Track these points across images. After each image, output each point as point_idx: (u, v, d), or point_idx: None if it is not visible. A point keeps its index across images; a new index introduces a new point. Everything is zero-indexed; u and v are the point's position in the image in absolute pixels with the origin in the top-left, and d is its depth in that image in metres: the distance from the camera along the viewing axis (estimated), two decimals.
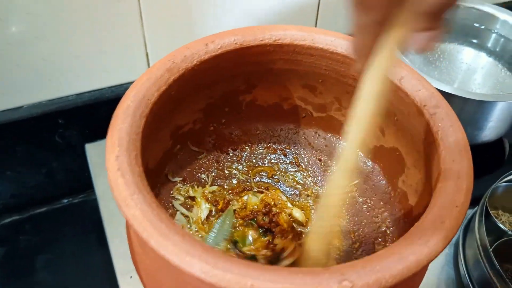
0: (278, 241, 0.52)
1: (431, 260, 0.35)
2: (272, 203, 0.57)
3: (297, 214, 0.57)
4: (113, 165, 0.38)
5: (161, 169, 0.57)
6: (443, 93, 0.48)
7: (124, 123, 0.42)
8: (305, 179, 0.61)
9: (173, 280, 0.39)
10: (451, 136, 0.43)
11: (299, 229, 0.55)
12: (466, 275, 0.59)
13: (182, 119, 0.55)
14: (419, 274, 0.38)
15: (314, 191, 0.60)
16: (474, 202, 0.47)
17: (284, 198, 0.58)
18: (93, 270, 0.66)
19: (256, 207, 0.56)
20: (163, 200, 0.55)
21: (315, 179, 0.61)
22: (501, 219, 0.64)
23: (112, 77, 0.72)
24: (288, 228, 0.54)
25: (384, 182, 0.58)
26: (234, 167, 0.61)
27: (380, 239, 0.54)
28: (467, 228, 0.63)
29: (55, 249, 0.68)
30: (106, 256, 0.62)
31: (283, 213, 0.56)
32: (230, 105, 0.58)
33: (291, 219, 0.56)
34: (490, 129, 0.66)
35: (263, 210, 0.56)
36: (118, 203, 0.36)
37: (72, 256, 0.68)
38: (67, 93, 0.70)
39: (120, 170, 0.38)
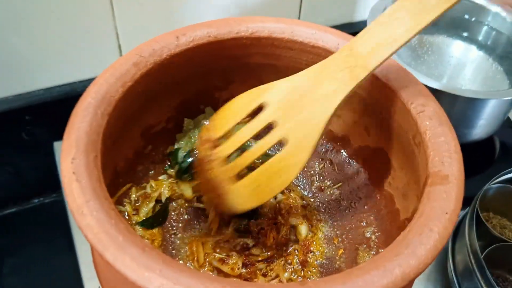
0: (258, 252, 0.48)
1: (419, 274, 0.32)
2: (287, 207, 0.52)
3: (303, 231, 0.51)
4: (68, 168, 0.35)
5: (132, 171, 0.53)
6: (432, 90, 0.45)
7: (83, 122, 0.38)
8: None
9: None
10: (440, 136, 0.40)
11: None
12: (455, 281, 0.56)
13: (154, 117, 0.52)
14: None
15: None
16: (464, 203, 0.44)
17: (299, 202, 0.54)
18: (61, 276, 0.62)
19: None
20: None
21: (302, 187, 0.57)
22: (491, 222, 0.61)
23: (83, 71, 0.68)
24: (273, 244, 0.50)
25: (369, 184, 0.54)
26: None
27: (364, 245, 0.51)
28: (457, 232, 0.60)
29: (24, 252, 0.64)
30: (75, 262, 0.59)
31: (284, 227, 0.51)
32: (206, 102, 0.55)
33: (289, 234, 0.51)
34: (481, 127, 0.63)
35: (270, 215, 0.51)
36: (72, 211, 0.33)
37: (41, 260, 0.64)
38: (35, 87, 0.67)
39: (75, 173, 0.34)
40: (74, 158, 0.35)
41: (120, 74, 0.42)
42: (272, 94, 0.42)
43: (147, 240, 0.48)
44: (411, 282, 0.32)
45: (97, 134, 0.38)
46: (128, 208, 0.50)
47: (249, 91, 0.43)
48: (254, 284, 0.30)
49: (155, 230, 0.50)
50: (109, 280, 0.39)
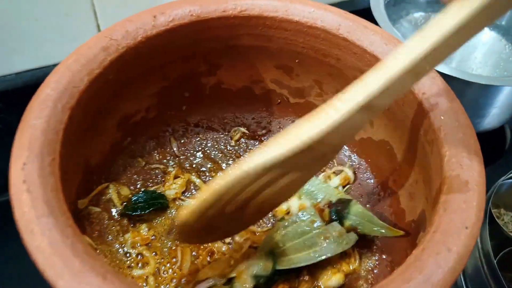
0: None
1: None
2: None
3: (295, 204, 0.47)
4: (18, 176, 0.29)
5: (110, 165, 0.48)
6: (441, 75, 0.39)
7: (39, 118, 0.32)
8: None
9: None
10: (457, 133, 0.34)
11: None
12: (464, 285, 0.52)
13: (130, 107, 0.46)
14: None
15: None
16: None
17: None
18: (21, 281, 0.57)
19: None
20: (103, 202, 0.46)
21: None
22: (503, 220, 0.56)
23: (58, 54, 0.61)
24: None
25: (372, 181, 0.49)
26: (196, 161, 0.51)
27: (366, 249, 0.46)
28: None
29: (17, 241, 0.59)
30: None
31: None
32: (191, 89, 0.49)
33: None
34: (493, 117, 0.58)
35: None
36: (20, 230, 0.27)
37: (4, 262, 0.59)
38: (5, 72, 0.61)
39: (26, 183, 0.29)
40: (26, 163, 0.30)
41: (86, 61, 0.36)
42: None
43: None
44: None
45: (56, 132, 0.32)
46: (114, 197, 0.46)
47: None
48: None
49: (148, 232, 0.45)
50: None
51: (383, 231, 0.43)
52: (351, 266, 0.44)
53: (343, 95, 0.28)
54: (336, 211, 0.45)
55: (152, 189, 0.48)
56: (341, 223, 0.44)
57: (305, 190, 0.47)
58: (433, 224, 0.30)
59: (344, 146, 0.51)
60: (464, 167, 0.32)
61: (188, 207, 0.32)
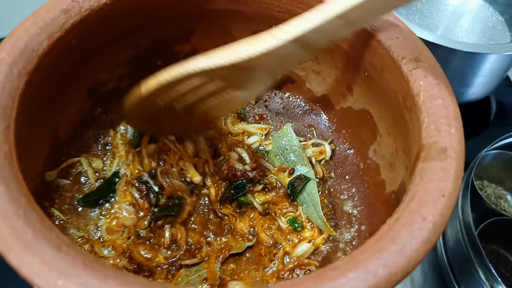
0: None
1: (407, 274, 0.26)
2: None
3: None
4: None
5: (79, 137, 0.46)
6: (425, 42, 0.37)
7: None
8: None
9: None
10: (437, 98, 0.33)
11: None
12: (445, 258, 0.51)
13: (100, 75, 0.44)
14: None
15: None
16: None
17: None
18: None
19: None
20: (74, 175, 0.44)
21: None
22: (486, 192, 0.55)
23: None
24: None
25: (352, 151, 0.48)
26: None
27: (345, 221, 0.45)
28: None
29: None
30: None
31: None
32: (164, 57, 0.47)
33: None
34: (478, 86, 0.56)
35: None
36: None
37: None
38: None
39: None
40: None
41: (45, 24, 0.34)
42: None
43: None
44: (398, 283, 0.26)
45: (12, 98, 0.30)
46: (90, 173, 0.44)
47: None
48: None
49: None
50: None
51: (319, 221, 0.44)
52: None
53: (284, 26, 0.32)
54: (292, 184, 0.45)
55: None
56: (293, 195, 0.45)
57: (281, 144, 0.48)
58: (409, 193, 0.29)
59: (324, 116, 0.50)
60: (443, 133, 0.31)
61: (135, 93, 0.38)
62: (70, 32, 0.35)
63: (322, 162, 0.48)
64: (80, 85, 0.42)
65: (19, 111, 0.30)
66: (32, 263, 0.23)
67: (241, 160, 0.46)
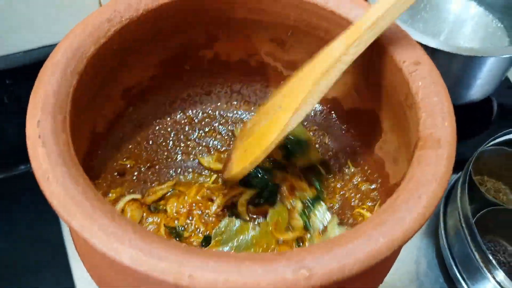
0: None
1: (405, 242, 0.30)
2: None
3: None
4: (34, 131, 0.32)
5: (112, 133, 0.51)
6: (427, 48, 0.42)
7: (51, 81, 0.35)
8: None
9: (108, 267, 0.33)
10: (433, 96, 0.37)
11: None
12: (446, 246, 0.55)
13: (134, 76, 0.49)
14: (391, 257, 0.33)
15: None
16: (458, 166, 0.43)
17: None
18: (46, 241, 0.61)
19: None
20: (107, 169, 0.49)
21: None
22: (486, 186, 0.60)
23: (63, 32, 0.64)
24: None
25: (360, 148, 0.52)
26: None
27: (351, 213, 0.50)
28: (449, 196, 0.58)
29: (9, 218, 0.63)
30: (59, 229, 0.57)
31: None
32: (190, 62, 0.52)
33: None
34: (478, 87, 0.61)
35: None
36: (37, 178, 0.31)
37: (26, 226, 0.63)
38: (14, 50, 0.64)
39: (41, 137, 0.32)
40: (40, 121, 0.33)
41: (92, 30, 0.39)
42: None
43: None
44: (397, 250, 0.31)
45: (66, 94, 0.35)
46: None
47: None
48: (230, 255, 0.29)
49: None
50: (84, 251, 0.38)
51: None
52: None
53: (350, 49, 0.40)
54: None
55: None
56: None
57: None
58: (407, 176, 0.33)
59: (334, 116, 0.55)
60: (438, 126, 0.36)
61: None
62: (112, 38, 0.40)
63: None
64: (117, 85, 0.48)
65: (72, 105, 0.36)
66: (92, 229, 0.28)
67: None
